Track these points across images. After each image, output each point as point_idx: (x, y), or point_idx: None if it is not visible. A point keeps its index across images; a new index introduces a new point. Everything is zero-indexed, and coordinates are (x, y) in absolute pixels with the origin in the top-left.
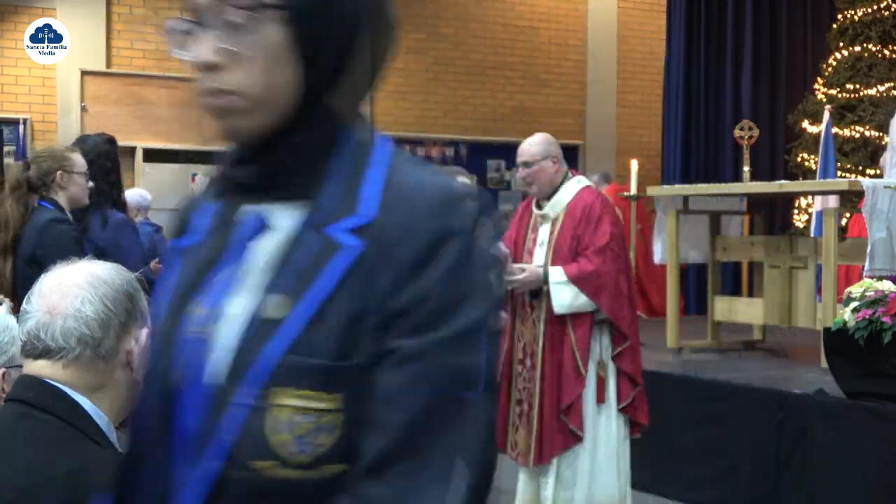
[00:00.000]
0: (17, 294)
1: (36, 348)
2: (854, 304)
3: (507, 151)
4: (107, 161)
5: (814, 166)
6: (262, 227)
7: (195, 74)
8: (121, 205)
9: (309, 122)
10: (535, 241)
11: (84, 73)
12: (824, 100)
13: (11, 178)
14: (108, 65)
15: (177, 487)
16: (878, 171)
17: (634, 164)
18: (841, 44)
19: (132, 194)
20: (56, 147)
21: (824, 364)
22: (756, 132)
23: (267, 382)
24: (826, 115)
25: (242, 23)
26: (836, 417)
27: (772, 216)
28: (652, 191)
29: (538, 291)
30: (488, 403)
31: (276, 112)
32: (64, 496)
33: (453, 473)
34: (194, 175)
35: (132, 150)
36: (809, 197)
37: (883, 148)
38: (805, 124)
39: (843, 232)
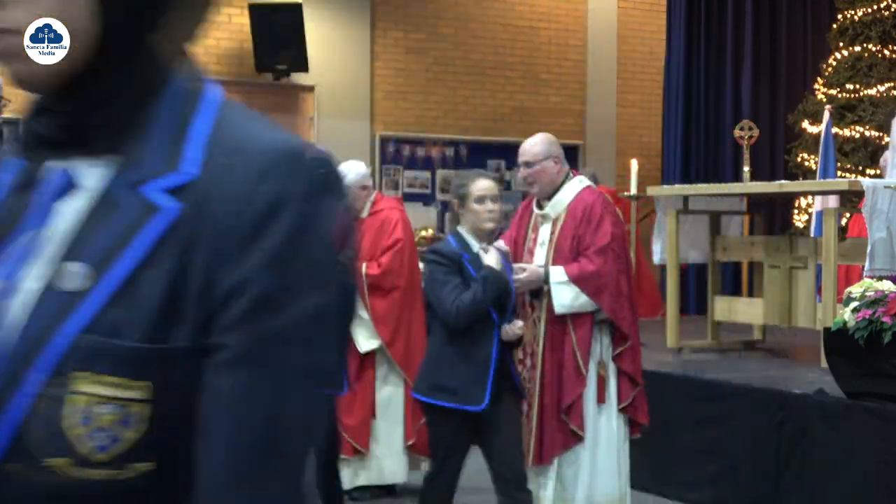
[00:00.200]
0: None
1: None
2: (854, 304)
3: (507, 151)
4: None
5: (814, 166)
6: (68, 185)
7: None
8: None
9: (120, 64)
10: (535, 240)
11: None
12: (824, 100)
13: None
14: None
15: None
16: (878, 171)
17: (634, 164)
18: (841, 44)
19: None
20: None
21: (824, 364)
22: (756, 132)
23: (62, 366)
24: (826, 115)
25: None
26: (836, 417)
27: (772, 216)
28: (652, 191)
29: (539, 291)
30: (327, 405)
31: (75, 53)
32: None
33: (296, 497)
34: None
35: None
36: (809, 197)
37: (883, 148)
38: (805, 124)
39: (843, 232)
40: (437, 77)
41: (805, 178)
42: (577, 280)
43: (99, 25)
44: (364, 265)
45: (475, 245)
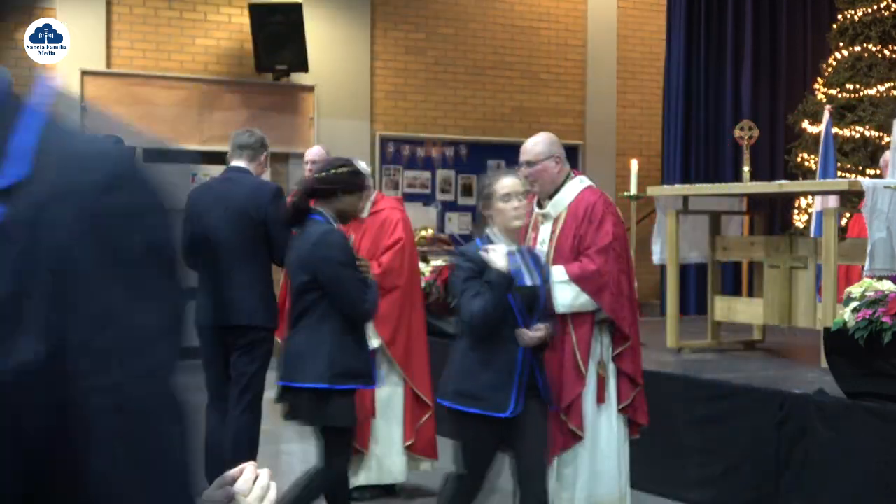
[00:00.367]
0: None
1: None
2: (854, 304)
3: (507, 151)
4: None
5: (814, 166)
6: None
7: None
8: None
9: None
10: (535, 239)
11: (84, 72)
12: (824, 100)
13: None
14: (108, 65)
15: None
16: (878, 171)
17: (634, 164)
18: (841, 44)
19: None
20: None
21: (824, 364)
22: (756, 132)
23: None
24: (826, 115)
25: None
26: (836, 417)
27: (772, 216)
28: (652, 191)
29: None
30: (186, 434)
31: None
32: None
33: None
34: (194, 175)
35: (132, 150)
36: (809, 197)
37: (883, 148)
38: (805, 124)
39: (843, 232)
40: (436, 77)
41: (805, 178)
42: (577, 279)
43: None
44: None
45: (504, 246)
